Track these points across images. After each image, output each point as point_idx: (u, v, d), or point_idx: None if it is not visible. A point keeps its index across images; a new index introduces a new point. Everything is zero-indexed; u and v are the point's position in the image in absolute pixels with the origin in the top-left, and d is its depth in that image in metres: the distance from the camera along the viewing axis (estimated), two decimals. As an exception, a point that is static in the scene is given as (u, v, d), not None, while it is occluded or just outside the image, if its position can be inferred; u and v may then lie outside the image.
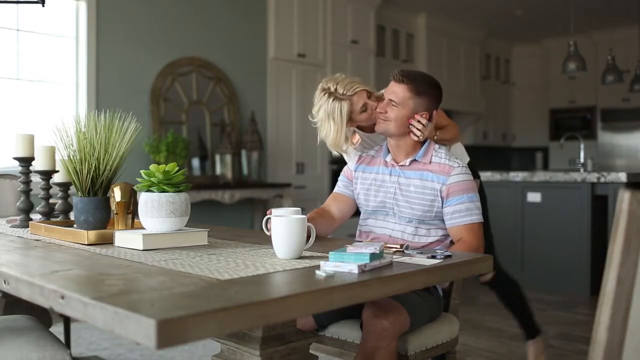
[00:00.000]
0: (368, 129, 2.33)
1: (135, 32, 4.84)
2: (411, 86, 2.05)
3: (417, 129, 2.05)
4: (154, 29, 4.95)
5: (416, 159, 2.09)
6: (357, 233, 2.22)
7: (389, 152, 2.16)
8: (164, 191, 1.70)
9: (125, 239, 1.69)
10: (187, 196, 1.75)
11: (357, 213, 2.27)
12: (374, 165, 2.18)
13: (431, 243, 2.07)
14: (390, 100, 2.06)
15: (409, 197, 2.06)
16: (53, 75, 4.54)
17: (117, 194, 1.90)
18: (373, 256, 1.36)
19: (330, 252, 1.38)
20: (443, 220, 2.05)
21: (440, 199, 2.02)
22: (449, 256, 1.57)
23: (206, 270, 1.31)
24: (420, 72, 2.19)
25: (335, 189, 2.26)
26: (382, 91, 2.17)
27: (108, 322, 0.99)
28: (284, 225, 1.51)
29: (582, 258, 4.76)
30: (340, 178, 2.26)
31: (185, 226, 1.82)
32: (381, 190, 2.12)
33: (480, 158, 5.63)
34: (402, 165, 2.10)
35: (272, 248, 1.61)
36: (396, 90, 2.06)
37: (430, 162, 2.08)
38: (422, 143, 2.11)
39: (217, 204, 5.06)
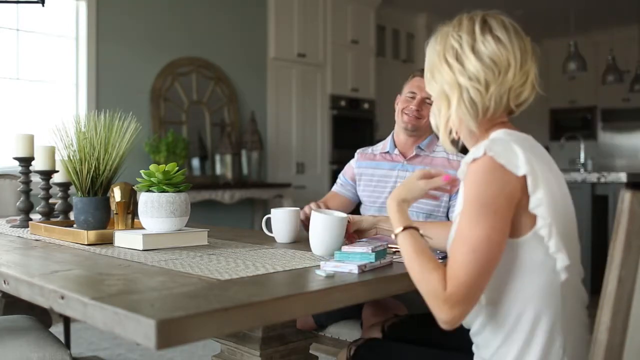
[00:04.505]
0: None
1: (136, 32, 4.83)
2: None
3: None
4: (154, 29, 4.95)
5: (420, 146, 2.14)
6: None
7: (395, 146, 2.19)
8: (164, 191, 1.70)
9: (125, 239, 1.69)
10: (187, 196, 1.74)
11: (354, 212, 2.26)
12: (377, 161, 2.21)
13: None
14: (426, 98, 2.08)
15: None
16: (53, 75, 4.54)
17: (117, 194, 1.90)
18: (378, 255, 1.36)
19: (335, 251, 1.39)
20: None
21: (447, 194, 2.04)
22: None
23: (206, 270, 1.31)
24: None
25: (334, 188, 2.28)
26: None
27: (108, 322, 0.99)
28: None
29: (582, 258, 4.75)
30: (340, 177, 2.28)
31: (185, 226, 1.81)
32: (388, 187, 2.15)
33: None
34: (410, 159, 2.14)
35: (272, 248, 1.61)
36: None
37: (433, 153, 2.13)
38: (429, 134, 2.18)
39: (217, 204, 5.06)
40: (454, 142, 1.30)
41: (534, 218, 1.14)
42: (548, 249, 1.15)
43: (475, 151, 1.16)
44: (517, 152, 1.14)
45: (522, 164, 1.13)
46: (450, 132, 1.28)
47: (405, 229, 1.23)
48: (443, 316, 1.11)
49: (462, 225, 1.14)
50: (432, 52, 1.30)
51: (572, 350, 1.20)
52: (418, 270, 1.16)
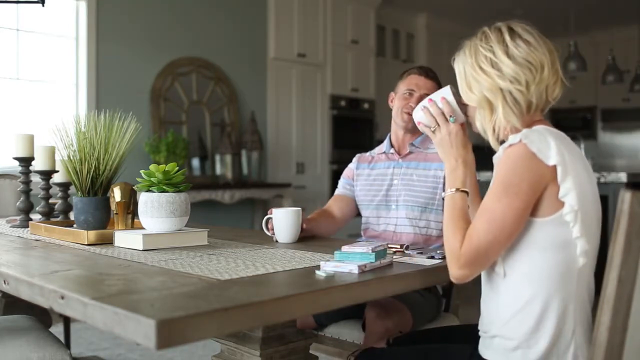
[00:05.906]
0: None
1: (136, 32, 4.83)
2: (437, 82, 2.16)
3: None
4: (154, 29, 4.94)
5: (414, 143, 2.16)
6: (362, 233, 2.24)
7: (392, 145, 2.22)
8: (164, 191, 1.70)
9: (125, 239, 1.69)
10: (187, 196, 1.74)
11: (360, 214, 2.28)
12: (374, 162, 2.25)
13: (430, 236, 2.08)
14: (426, 94, 2.08)
15: (412, 185, 2.11)
16: (53, 75, 4.54)
17: (117, 194, 1.90)
18: (378, 255, 1.36)
19: (335, 251, 1.39)
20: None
21: (442, 186, 2.06)
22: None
23: (206, 270, 1.31)
24: None
25: (336, 191, 2.31)
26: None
27: (108, 323, 0.99)
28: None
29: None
30: (340, 181, 2.31)
31: (185, 226, 1.81)
32: (384, 184, 2.17)
33: (480, 158, 5.59)
34: (404, 156, 2.17)
35: (272, 248, 1.61)
36: (428, 86, 2.14)
37: (428, 149, 2.14)
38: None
39: (217, 204, 5.06)
40: (502, 143, 1.36)
41: (561, 203, 1.22)
42: (571, 233, 1.23)
43: (512, 138, 1.25)
44: (550, 143, 1.22)
45: (553, 155, 1.21)
46: (496, 133, 1.35)
47: (457, 191, 1.36)
48: (452, 272, 1.28)
49: (486, 199, 1.26)
50: (464, 64, 1.37)
51: (581, 337, 1.27)
52: (450, 228, 1.31)
